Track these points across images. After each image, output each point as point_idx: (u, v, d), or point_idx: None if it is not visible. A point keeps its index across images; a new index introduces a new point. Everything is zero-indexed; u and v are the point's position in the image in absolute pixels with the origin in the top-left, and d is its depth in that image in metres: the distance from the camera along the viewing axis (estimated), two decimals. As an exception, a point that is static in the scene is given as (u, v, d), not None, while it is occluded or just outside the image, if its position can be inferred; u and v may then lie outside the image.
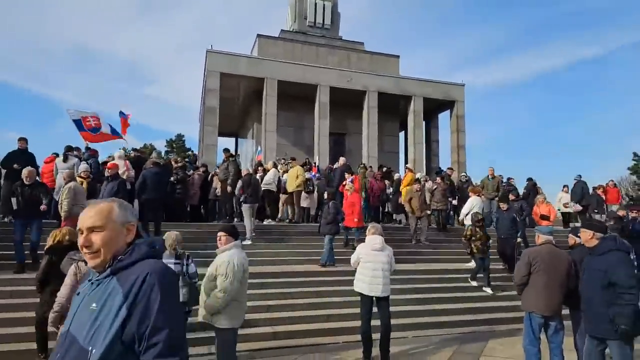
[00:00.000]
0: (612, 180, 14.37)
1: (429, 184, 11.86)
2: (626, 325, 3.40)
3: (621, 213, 10.36)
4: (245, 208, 9.37)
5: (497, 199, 11.18)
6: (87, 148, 10.41)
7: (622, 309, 3.41)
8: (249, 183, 9.49)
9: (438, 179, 11.90)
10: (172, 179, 9.98)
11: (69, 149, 9.22)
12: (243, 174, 10.03)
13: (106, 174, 7.93)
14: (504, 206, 9.16)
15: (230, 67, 16.53)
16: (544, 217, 9.45)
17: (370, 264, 5.17)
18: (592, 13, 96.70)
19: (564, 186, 13.77)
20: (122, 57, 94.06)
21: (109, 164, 8.37)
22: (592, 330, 3.71)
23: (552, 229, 4.48)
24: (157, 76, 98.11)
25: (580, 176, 13.49)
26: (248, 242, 8.74)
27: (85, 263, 3.49)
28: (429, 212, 10.64)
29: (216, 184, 10.78)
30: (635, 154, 33.14)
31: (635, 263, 5.15)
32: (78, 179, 7.75)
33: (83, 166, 8.17)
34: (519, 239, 8.85)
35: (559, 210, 12.85)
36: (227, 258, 3.74)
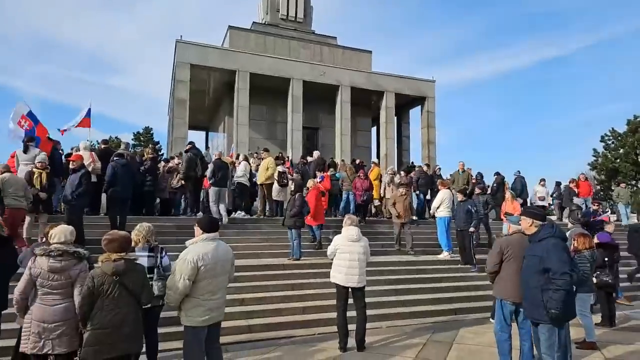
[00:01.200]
0: (583, 174, 14.95)
1: (396, 178, 11.98)
2: (556, 310, 3.53)
3: (594, 206, 10.86)
4: (212, 191, 9.34)
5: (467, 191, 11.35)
6: (49, 139, 9.87)
7: (553, 294, 3.53)
8: (219, 167, 9.41)
9: (403, 173, 12.04)
10: (141, 169, 9.65)
11: (30, 139, 8.71)
12: (214, 158, 9.97)
13: (70, 165, 7.58)
14: (460, 197, 9.19)
15: (200, 59, 16.10)
16: (508, 215, 9.61)
17: (347, 254, 5.19)
18: (553, 16, 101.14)
19: (541, 180, 13.87)
20: (87, 47, 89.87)
21: (73, 155, 8.01)
22: (528, 314, 3.89)
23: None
24: (123, 67, 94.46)
25: (519, 172, 13.62)
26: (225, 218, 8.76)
27: (46, 258, 3.40)
28: (414, 217, 10.29)
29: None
30: (594, 150, 34.85)
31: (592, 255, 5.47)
32: (35, 170, 7.36)
33: (40, 156, 7.72)
34: (471, 228, 8.60)
35: (534, 202, 13.10)
36: (182, 253, 3.60)
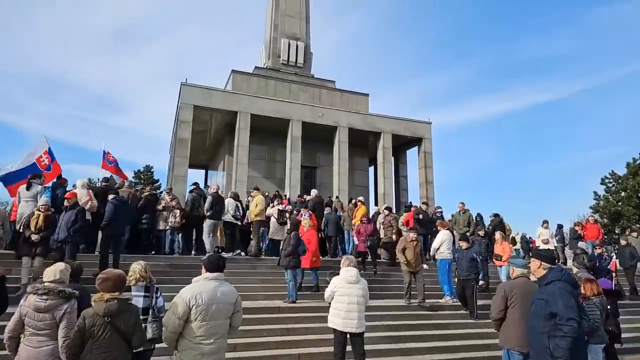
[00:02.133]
0: (592, 216, 14.54)
1: (380, 217, 11.81)
2: (562, 358, 3.35)
3: (598, 249, 10.17)
4: (206, 224, 9.32)
5: (468, 234, 11.02)
6: (59, 176, 10.01)
7: (560, 341, 3.36)
8: (217, 200, 9.44)
9: (386, 211, 11.82)
10: (139, 205, 9.64)
11: (34, 176, 8.77)
12: (212, 191, 10.02)
13: (65, 203, 7.62)
14: (463, 245, 8.70)
15: (204, 100, 16.53)
16: (497, 257, 9.27)
17: (345, 297, 5.06)
18: (545, 61, 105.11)
19: (544, 222, 13.35)
20: (94, 87, 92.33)
21: (67, 193, 8.03)
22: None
23: (527, 262, 4.50)
24: (128, 107, 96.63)
25: (497, 214, 13.44)
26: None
27: (33, 296, 3.31)
28: (425, 266, 9.46)
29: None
30: (595, 193, 34.84)
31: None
32: (36, 212, 7.35)
33: (43, 199, 7.73)
34: (481, 282, 8.23)
35: (538, 247, 12.62)
36: (181, 290, 3.50)
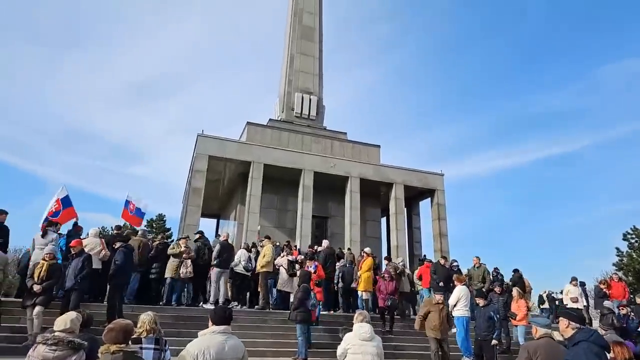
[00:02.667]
0: (616, 274, 13.77)
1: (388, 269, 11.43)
2: None
3: (622, 310, 9.58)
4: (214, 272, 9.14)
5: (484, 290, 10.53)
6: (75, 224, 10.15)
7: None
8: (225, 248, 9.34)
9: (385, 261, 11.42)
10: (150, 254, 9.60)
11: (50, 223, 8.92)
12: (221, 239, 9.91)
13: (72, 251, 7.65)
14: (480, 302, 8.23)
15: (219, 151, 16.99)
16: (512, 316, 8.88)
17: (359, 355, 4.79)
18: (557, 116, 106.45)
19: (573, 279, 12.68)
20: (113, 139, 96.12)
21: (72, 241, 8.04)
22: None
23: (550, 322, 4.28)
24: (145, 157, 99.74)
25: (517, 270, 12.94)
26: (210, 306, 8.31)
27: (43, 346, 3.23)
28: (453, 330, 8.80)
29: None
30: (618, 249, 33.49)
31: None
32: (41, 261, 7.32)
33: (48, 247, 7.72)
34: (494, 341, 7.64)
35: (566, 305, 11.99)
36: (187, 345, 3.37)
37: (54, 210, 10.50)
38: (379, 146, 21.24)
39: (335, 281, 11.76)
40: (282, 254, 11.47)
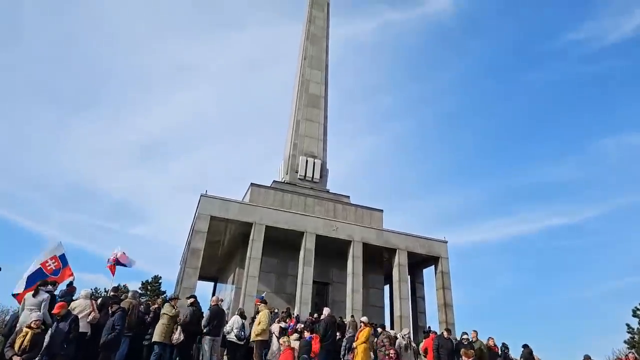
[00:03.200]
0: (632, 353, 13.27)
1: (383, 340, 10.70)
2: None
3: None
4: (205, 341, 8.51)
5: None
6: (69, 284, 9.81)
7: None
8: (216, 314, 8.80)
9: (379, 329, 10.85)
10: (146, 319, 9.12)
11: (43, 283, 8.57)
12: (211, 304, 9.38)
13: (57, 315, 7.19)
14: None
15: (221, 211, 16.95)
16: None
17: None
18: (559, 186, 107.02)
19: (586, 357, 11.99)
20: (116, 197, 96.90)
21: (57, 304, 7.58)
22: None
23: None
24: (145, 217, 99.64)
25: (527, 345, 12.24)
26: None
27: None
28: None
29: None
30: (628, 326, 31.83)
31: None
32: (25, 329, 6.82)
33: (35, 314, 7.23)
34: None
35: None
36: None
37: (53, 268, 10.22)
38: (381, 210, 21.19)
39: (342, 353, 11.05)
40: (276, 320, 10.90)
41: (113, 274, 13.26)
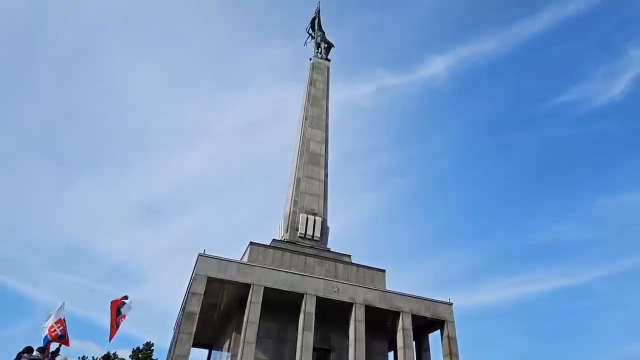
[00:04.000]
0: None
1: None
2: None
3: None
4: None
5: None
6: (52, 352, 9.29)
7: None
8: None
9: None
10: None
11: (27, 349, 8.09)
12: None
13: None
14: None
15: (219, 272, 16.45)
16: None
17: None
18: (562, 246, 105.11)
19: None
20: (113, 258, 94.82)
21: None
22: None
23: None
24: (141, 279, 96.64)
25: None
26: None
27: None
28: None
29: None
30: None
31: None
32: None
33: None
34: None
35: None
36: None
37: (59, 333, 9.80)
38: (384, 271, 20.60)
39: None
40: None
41: (117, 329, 12.75)
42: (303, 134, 25.51)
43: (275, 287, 16.81)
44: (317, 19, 33.47)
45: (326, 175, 24.54)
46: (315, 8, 34.11)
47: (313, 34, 32.76)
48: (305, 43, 33.02)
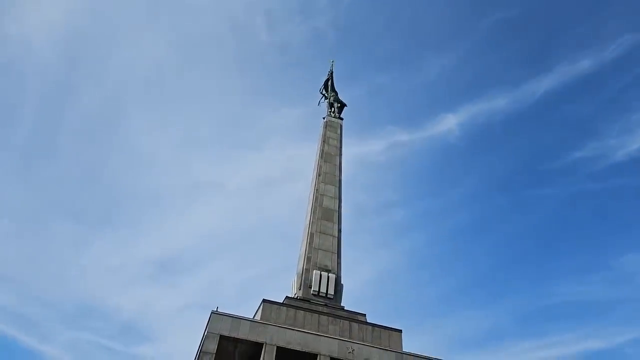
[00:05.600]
0: None
1: None
2: None
3: None
4: None
5: None
6: None
7: None
8: None
9: None
10: None
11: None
12: None
13: None
14: None
15: (231, 330, 16.23)
16: None
17: None
18: (587, 305, 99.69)
19: None
20: (125, 315, 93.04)
21: None
22: None
23: None
24: (152, 336, 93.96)
25: None
26: None
27: None
28: None
29: None
30: None
31: None
32: None
33: None
34: None
35: None
36: None
37: None
38: (400, 331, 19.91)
39: None
40: None
41: None
42: (316, 190, 26.02)
43: (288, 347, 16.42)
44: (330, 80, 35.41)
45: (339, 230, 24.62)
46: (329, 70, 36.27)
47: (326, 95, 34.48)
48: (319, 103, 34.68)
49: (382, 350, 17.73)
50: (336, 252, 23.35)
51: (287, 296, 20.98)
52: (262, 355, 15.92)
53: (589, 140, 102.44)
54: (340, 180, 27.17)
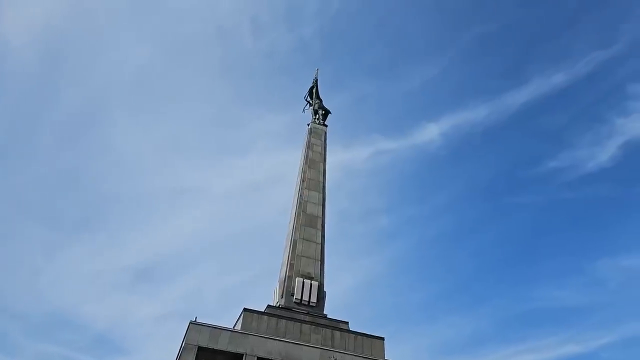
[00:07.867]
0: None
1: None
2: None
3: None
4: None
5: None
6: None
7: None
8: None
9: None
10: None
11: None
12: None
13: None
14: None
15: (210, 341, 15.84)
16: None
17: None
18: (564, 311, 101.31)
19: None
20: (99, 326, 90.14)
21: None
22: None
23: None
24: (126, 348, 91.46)
25: None
26: None
27: None
28: None
29: None
30: None
31: None
32: None
33: None
34: None
35: None
36: None
37: None
38: (383, 338, 19.77)
39: None
40: None
41: None
42: (300, 196, 25.80)
43: (269, 357, 16.11)
44: (315, 88, 35.37)
45: (323, 237, 24.40)
46: (314, 78, 36.24)
47: (311, 102, 34.42)
48: (304, 110, 34.57)
49: (364, 359, 17.54)
50: (319, 259, 23.13)
51: (269, 304, 20.63)
52: (242, 367, 15.55)
53: (562, 150, 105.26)
54: (324, 187, 27.02)
